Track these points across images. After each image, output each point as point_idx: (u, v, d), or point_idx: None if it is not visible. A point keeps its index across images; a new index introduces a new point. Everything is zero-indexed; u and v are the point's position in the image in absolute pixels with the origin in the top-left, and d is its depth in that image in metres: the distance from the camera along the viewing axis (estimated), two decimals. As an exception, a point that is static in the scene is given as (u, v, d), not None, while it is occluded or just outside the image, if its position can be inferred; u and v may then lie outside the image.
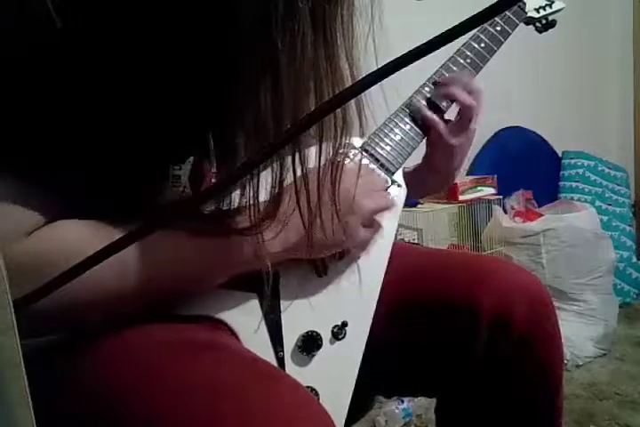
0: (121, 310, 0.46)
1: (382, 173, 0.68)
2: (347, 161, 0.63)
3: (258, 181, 0.46)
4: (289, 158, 0.45)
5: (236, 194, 0.48)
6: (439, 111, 0.72)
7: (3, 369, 0.23)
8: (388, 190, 0.63)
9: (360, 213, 0.57)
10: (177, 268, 0.49)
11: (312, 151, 0.47)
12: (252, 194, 0.46)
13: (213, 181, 0.54)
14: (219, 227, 0.49)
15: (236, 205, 0.48)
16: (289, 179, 0.47)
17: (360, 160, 0.60)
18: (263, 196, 0.48)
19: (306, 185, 0.47)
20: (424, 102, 0.72)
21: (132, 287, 0.46)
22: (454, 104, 0.72)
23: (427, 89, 0.73)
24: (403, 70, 0.25)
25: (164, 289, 0.48)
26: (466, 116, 0.70)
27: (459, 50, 0.76)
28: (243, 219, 0.48)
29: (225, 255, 0.50)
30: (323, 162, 0.47)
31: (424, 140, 0.73)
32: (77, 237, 0.44)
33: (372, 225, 0.60)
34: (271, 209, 0.48)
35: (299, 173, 0.46)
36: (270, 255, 0.51)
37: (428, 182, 0.77)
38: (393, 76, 0.25)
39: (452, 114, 0.74)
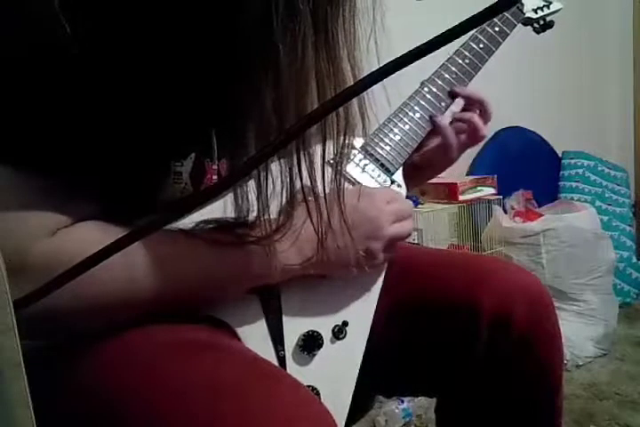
0: (127, 316, 0.46)
1: (403, 196, 0.68)
2: (378, 186, 0.65)
3: (267, 179, 0.46)
4: (295, 159, 0.45)
5: (253, 200, 0.48)
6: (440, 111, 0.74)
7: (3, 369, 0.24)
8: (412, 217, 0.64)
9: (383, 240, 0.58)
10: (190, 273, 0.49)
11: (317, 152, 0.47)
12: (266, 196, 0.47)
13: (214, 178, 0.54)
14: (235, 236, 0.49)
15: (255, 210, 0.48)
16: (300, 187, 0.47)
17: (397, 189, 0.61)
18: (277, 204, 0.48)
19: (317, 206, 0.48)
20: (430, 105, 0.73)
21: (142, 295, 0.46)
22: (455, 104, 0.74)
23: (426, 89, 0.74)
24: (403, 70, 0.25)
25: (174, 296, 0.48)
26: (474, 137, 0.75)
27: (457, 50, 0.76)
28: (259, 229, 0.49)
29: (240, 263, 0.50)
30: (326, 166, 0.48)
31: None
32: (87, 238, 0.44)
33: (392, 250, 0.61)
34: (285, 216, 0.49)
35: (305, 175, 0.46)
36: (286, 268, 0.52)
37: (421, 176, 0.78)
38: (393, 75, 0.25)
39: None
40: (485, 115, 0.75)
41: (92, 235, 0.44)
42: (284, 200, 0.48)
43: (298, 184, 0.47)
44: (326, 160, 0.47)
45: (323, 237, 0.50)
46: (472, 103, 0.75)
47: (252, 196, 0.48)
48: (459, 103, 0.76)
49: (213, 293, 0.51)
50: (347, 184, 0.64)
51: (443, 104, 0.73)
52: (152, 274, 0.45)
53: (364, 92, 0.43)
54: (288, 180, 0.47)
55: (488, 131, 0.76)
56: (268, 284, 0.53)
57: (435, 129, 0.73)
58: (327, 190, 0.48)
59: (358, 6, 0.46)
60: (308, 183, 0.47)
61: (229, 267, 0.50)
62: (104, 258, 0.28)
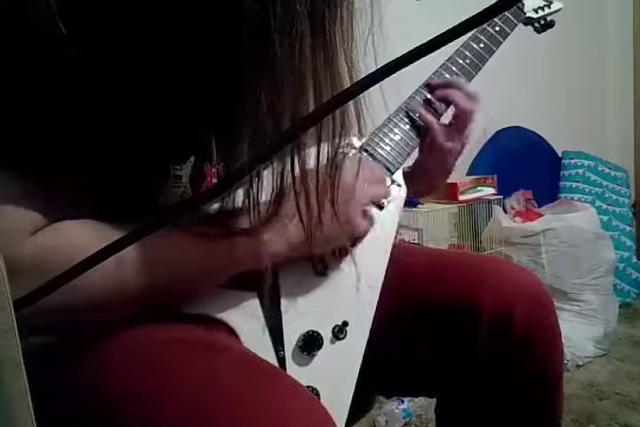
0: (121, 311, 0.46)
1: (401, 189, 0.69)
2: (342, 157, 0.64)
3: (259, 182, 0.46)
4: (289, 160, 0.45)
5: (239, 195, 0.48)
6: (436, 114, 0.72)
7: (3, 369, 0.24)
8: (387, 180, 0.64)
9: (359, 203, 0.58)
10: (176, 268, 0.49)
11: (311, 154, 0.47)
12: (254, 195, 0.47)
13: (214, 181, 0.54)
14: (220, 227, 0.49)
15: (240, 205, 0.49)
16: (289, 179, 0.47)
17: (357, 155, 0.60)
18: (265, 197, 0.48)
19: (305, 187, 0.47)
20: (421, 104, 0.72)
21: (130, 288, 0.46)
22: (450, 108, 0.73)
23: (426, 90, 0.73)
24: (403, 70, 0.25)
25: (163, 290, 0.48)
26: (462, 120, 0.71)
27: (457, 50, 0.76)
28: (245, 219, 0.49)
29: (226, 255, 0.50)
30: (321, 162, 0.48)
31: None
32: (81, 237, 0.44)
33: (371, 218, 0.60)
34: (273, 210, 0.49)
35: (298, 173, 0.46)
36: (273, 255, 0.52)
37: (418, 183, 0.77)
38: (393, 76, 0.25)
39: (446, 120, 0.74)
40: (463, 93, 0.72)
41: (81, 232, 0.44)
42: (272, 194, 0.48)
43: (288, 179, 0.47)
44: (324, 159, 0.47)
45: (308, 222, 0.50)
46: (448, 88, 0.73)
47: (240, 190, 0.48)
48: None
49: (198, 282, 0.51)
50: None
51: (443, 104, 0.73)
52: (140, 268, 0.46)
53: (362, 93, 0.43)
54: (279, 177, 0.46)
55: (470, 107, 0.71)
56: (255, 269, 0.52)
57: (424, 133, 0.72)
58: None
59: (356, 8, 0.46)
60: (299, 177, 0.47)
61: (212, 255, 0.50)
62: (103, 259, 0.28)
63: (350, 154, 0.61)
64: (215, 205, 0.50)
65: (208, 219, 0.50)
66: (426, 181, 0.77)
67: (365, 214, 0.59)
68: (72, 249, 0.42)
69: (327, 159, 0.49)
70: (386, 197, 0.62)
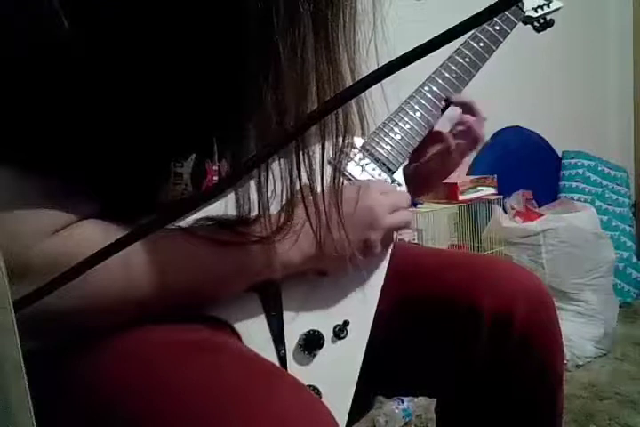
0: (127, 316, 0.46)
1: (402, 189, 0.69)
2: (371, 178, 0.65)
3: (267, 179, 0.46)
4: (295, 159, 0.45)
5: (254, 201, 0.48)
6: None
7: (3, 369, 0.23)
8: (410, 208, 0.64)
9: (381, 230, 0.58)
10: (188, 271, 0.48)
11: (317, 152, 0.47)
12: (265, 202, 0.47)
13: (215, 178, 0.54)
14: (236, 235, 0.49)
15: (255, 209, 0.49)
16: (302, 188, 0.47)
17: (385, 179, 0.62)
18: (277, 202, 0.48)
19: (315, 203, 0.48)
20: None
21: (140, 294, 0.45)
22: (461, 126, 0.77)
23: (426, 88, 0.74)
24: (403, 70, 0.25)
25: (174, 294, 0.48)
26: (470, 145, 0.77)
27: (457, 49, 0.76)
28: (259, 228, 0.49)
29: (242, 264, 0.50)
30: (326, 165, 0.48)
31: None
32: (98, 238, 0.44)
33: (389, 241, 0.60)
34: (285, 218, 0.49)
35: (305, 178, 0.46)
36: (288, 265, 0.52)
37: (418, 184, 0.78)
38: (393, 75, 0.25)
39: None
40: (478, 119, 0.77)
41: (94, 234, 0.44)
42: (284, 199, 0.48)
43: (298, 183, 0.47)
44: (327, 160, 0.47)
45: (321, 236, 0.50)
46: (465, 109, 0.77)
47: (253, 195, 0.48)
48: (455, 109, 0.77)
49: (212, 291, 0.51)
50: (347, 183, 0.64)
51: (443, 103, 0.73)
52: (149, 272, 0.45)
53: (363, 94, 0.44)
54: (288, 180, 0.47)
55: (482, 133, 0.77)
56: (268, 280, 0.53)
57: (434, 135, 0.73)
58: (326, 188, 0.49)
59: (359, 11, 0.46)
60: (308, 182, 0.47)
61: (228, 264, 0.50)
62: (104, 258, 0.28)
63: (352, 154, 0.62)
64: (232, 213, 0.50)
65: (223, 226, 0.50)
66: (427, 182, 0.78)
67: (386, 241, 0.59)
68: (81, 251, 0.42)
69: (333, 170, 0.49)
70: (409, 226, 0.62)
